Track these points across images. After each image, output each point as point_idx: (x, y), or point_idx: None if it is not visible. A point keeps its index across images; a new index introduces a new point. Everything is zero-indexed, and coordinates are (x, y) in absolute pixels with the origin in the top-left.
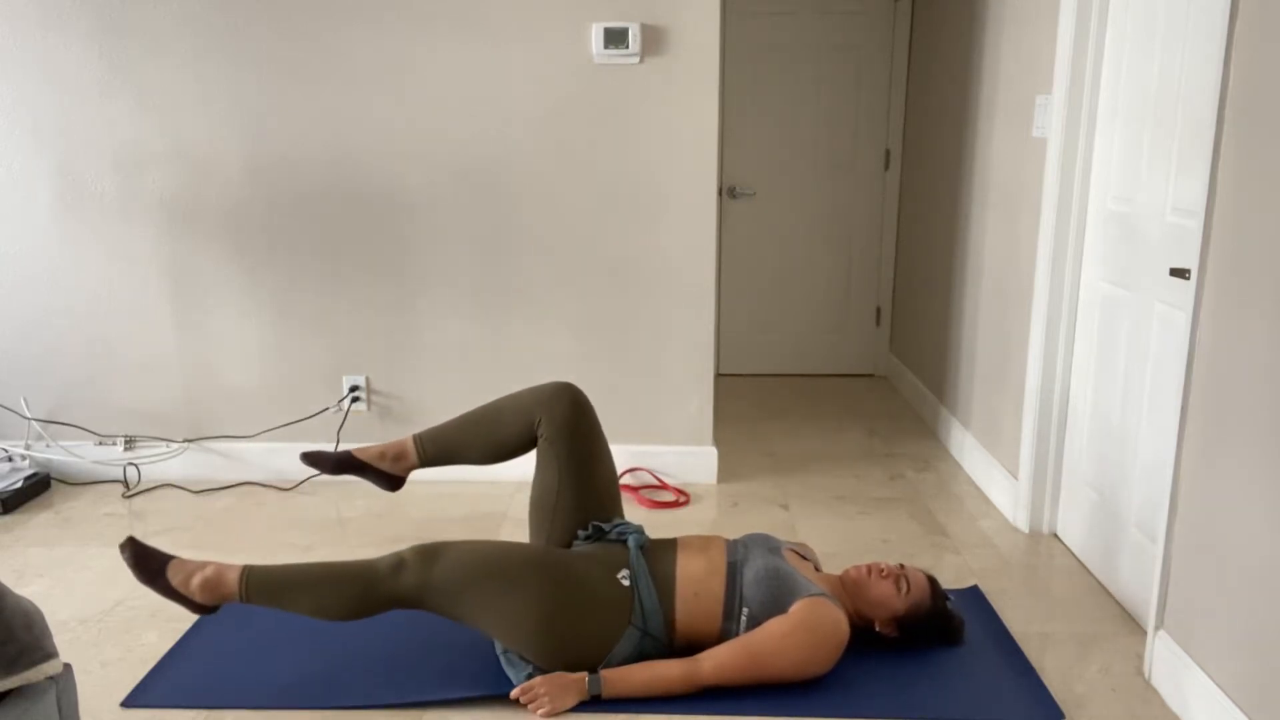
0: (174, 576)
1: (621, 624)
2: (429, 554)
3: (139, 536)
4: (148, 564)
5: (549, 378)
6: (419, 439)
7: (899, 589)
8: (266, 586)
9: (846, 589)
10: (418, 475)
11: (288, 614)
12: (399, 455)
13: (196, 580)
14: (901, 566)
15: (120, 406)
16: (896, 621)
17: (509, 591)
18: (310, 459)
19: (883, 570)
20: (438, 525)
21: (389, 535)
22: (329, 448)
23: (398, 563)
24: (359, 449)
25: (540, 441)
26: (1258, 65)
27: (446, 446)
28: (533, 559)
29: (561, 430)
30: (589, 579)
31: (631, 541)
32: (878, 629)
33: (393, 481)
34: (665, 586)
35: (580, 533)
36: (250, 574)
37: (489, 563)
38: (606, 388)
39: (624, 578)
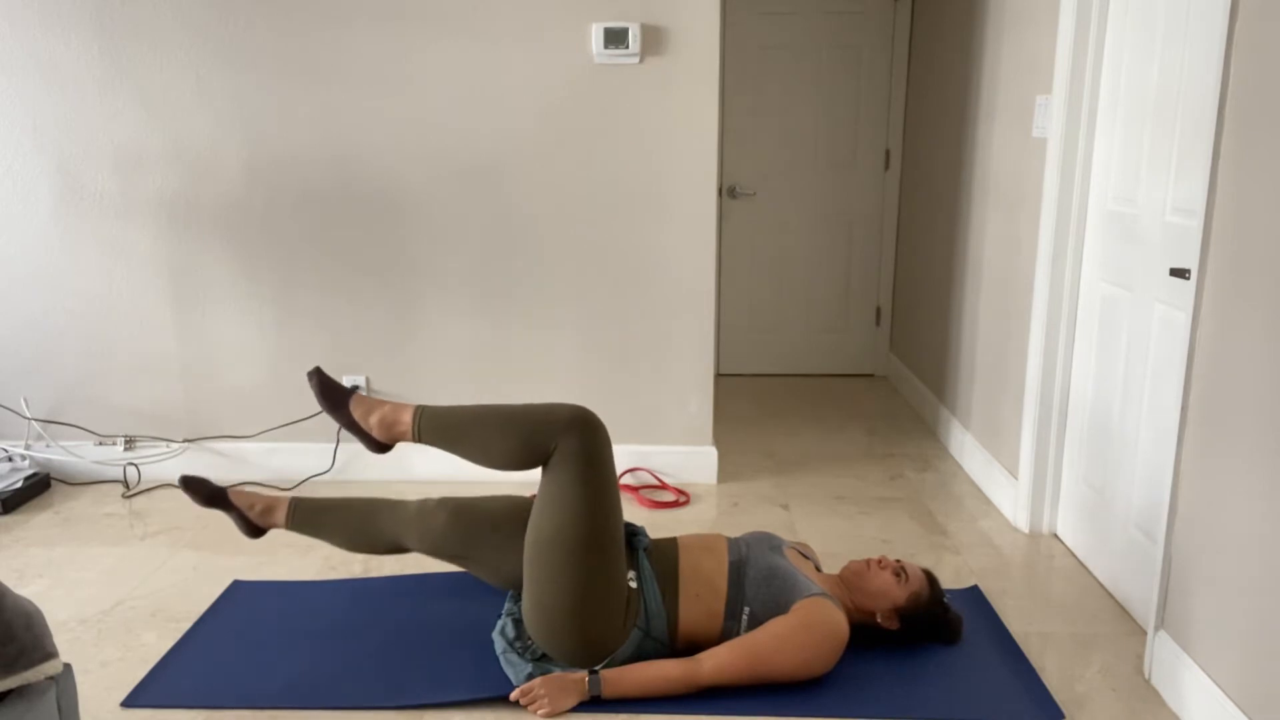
0: (355, 409)
1: (627, 625)
2: (597, 443)
3: (142, 536)
4: (333, 395)
5: (549, 377)
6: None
7: (898, 579)
8: (437, 428)
9: (847, 583)
10: (419, 475)
11: (287, 614)
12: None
13: (375, 417)
14: (899, 561)
15: (120, 406)
16: (897, 612)
17: (581, 546)
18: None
19: (881, 562)
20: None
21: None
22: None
23: (573, 421)
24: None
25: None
26: (1258, 65)
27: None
28: (618, 540)
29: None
30: (621, 581)
31: (637, 544)
32: (879, 621)
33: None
34: (669, 589)
35: None
36: (423, 414)
37: (602, 510)
38: (606, 388)
39: (631, 580)
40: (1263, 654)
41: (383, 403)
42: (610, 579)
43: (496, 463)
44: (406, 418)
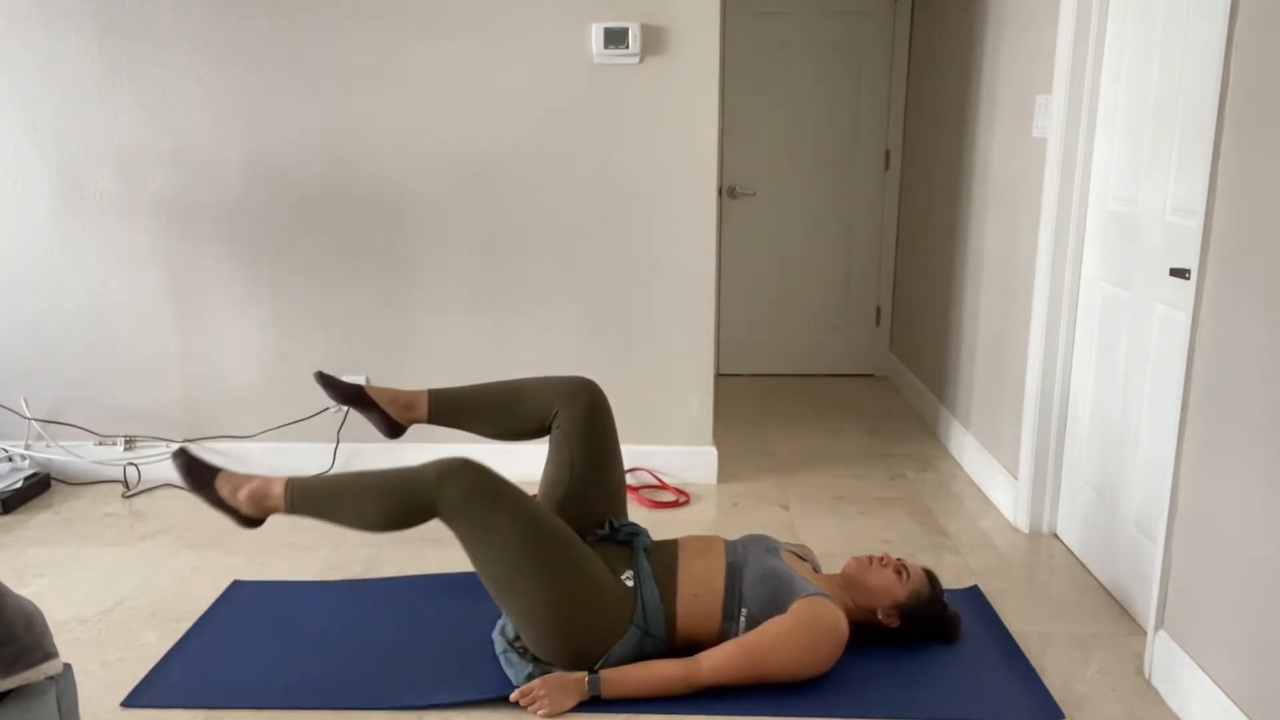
0: (222, 487)
1: (623, 624)
2: (478, 483)
3: (142, 536)
4: (198, 474)
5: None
6: (433, 395)
7: (900, 576)
8: (310, 497)
9: (848, 580)
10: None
11: (287, 615)
12: (409, 405)
13: (244, 492)
14: (900, 559)
15: (120, 406)
16: (898, 609)
17: (530, 565)
18: (324, 380)
19: (883, 560)
20: (438, 523)
21: (388, 534)
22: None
23: (443, 474)
24: (371, 387)
25: (554, 433)
26: (1258, 65)
27: (458, 410)
28: (564, 541)
29: (578, 427)
30: (599, 576)
31: (637, 544)
32: (880, 618)
33: (394, 428)
34: (667, 588)
35: (598, 530)
36: (294, 485)
37: (527, 529)
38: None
39: (628, 578)
40: (1263, 654)
41: (251, 475)
42: (577, 582)
43: (375, 525)
44: (278, 490)
